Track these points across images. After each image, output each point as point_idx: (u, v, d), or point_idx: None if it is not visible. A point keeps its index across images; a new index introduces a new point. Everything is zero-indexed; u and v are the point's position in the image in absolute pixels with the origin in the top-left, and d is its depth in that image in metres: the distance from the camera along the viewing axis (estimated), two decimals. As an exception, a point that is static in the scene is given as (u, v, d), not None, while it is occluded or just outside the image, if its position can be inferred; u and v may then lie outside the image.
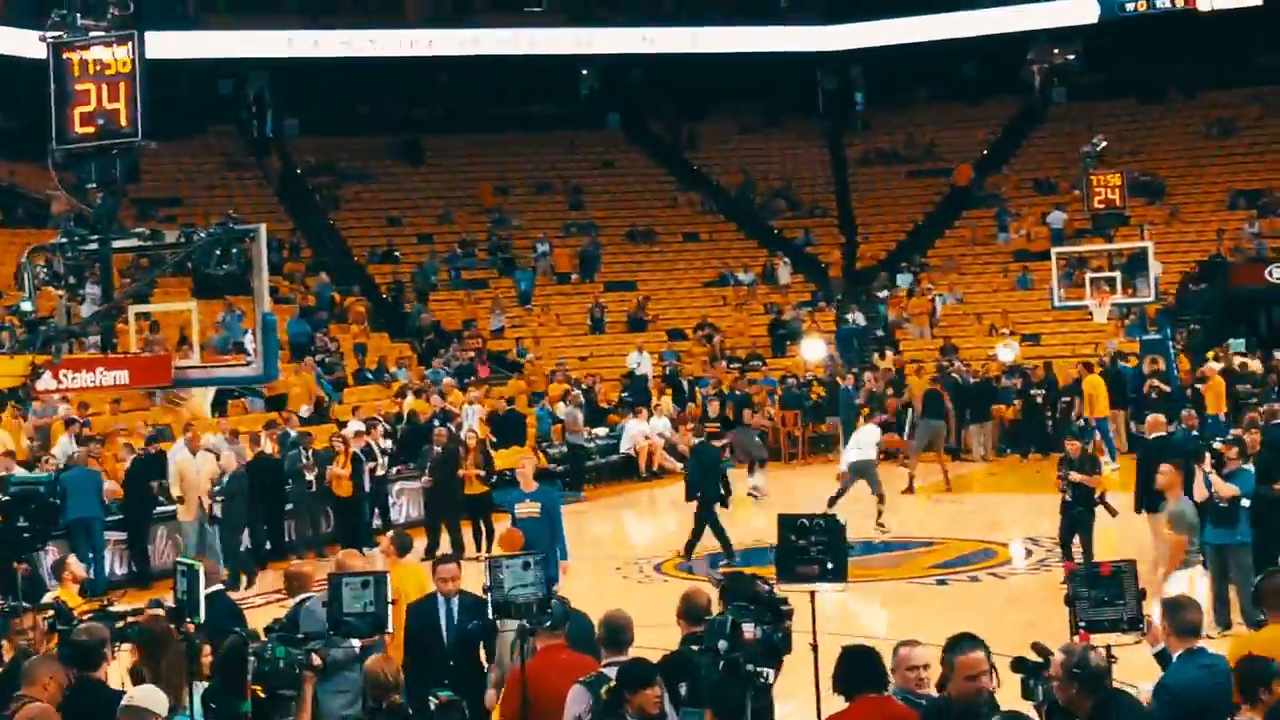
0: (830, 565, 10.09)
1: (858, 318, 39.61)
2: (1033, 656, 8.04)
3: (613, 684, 8.41)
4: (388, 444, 26.12)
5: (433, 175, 47.33)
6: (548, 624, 9.27)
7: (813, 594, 10.12)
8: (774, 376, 35.78)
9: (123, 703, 8.01)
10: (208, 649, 9.69)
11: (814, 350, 36.77)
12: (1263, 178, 43.22)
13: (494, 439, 28.10)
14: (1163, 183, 43.77)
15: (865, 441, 24.00)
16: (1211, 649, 8.83)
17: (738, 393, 32.60)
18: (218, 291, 30.18)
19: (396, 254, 42.73)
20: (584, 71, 51.56)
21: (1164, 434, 19.12)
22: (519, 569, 9.06)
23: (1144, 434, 20.74)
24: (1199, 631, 8.63)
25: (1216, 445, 16.15)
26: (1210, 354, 33.12)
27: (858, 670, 8.20)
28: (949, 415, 29.46)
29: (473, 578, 11.36)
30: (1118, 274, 32.44)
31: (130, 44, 11.22)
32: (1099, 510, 18.59)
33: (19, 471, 19.85)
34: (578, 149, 49.01)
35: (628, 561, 21.52)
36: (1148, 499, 17.23)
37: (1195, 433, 20.15)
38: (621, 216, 45.83)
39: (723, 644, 8.81)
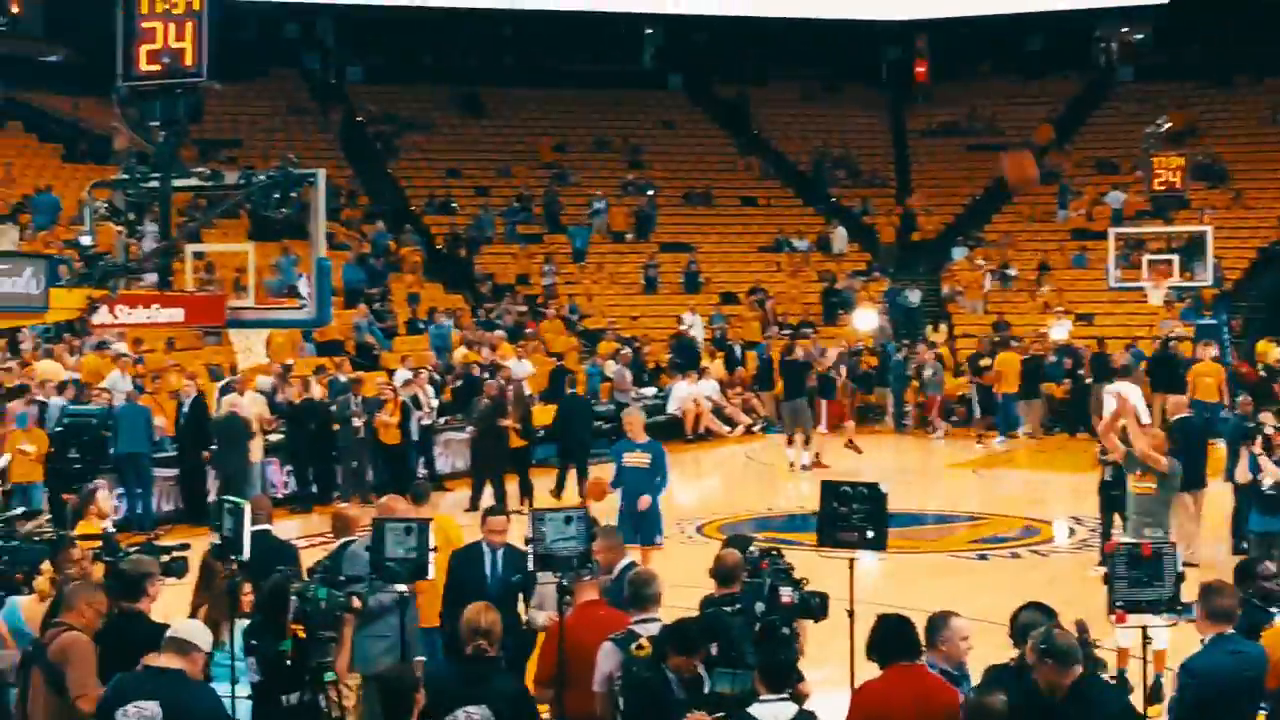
0: (870, 533, 10.12)
1: (912, 294, 39.28)
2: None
3: (644, 641, 8.49)
4: (430, 393, 26.16)
5: (492, 128, 47.33)
6: (587, 577, 9.35)
7: (851, 561, 10.16)
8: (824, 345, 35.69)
9: (167, 634, 8.11)
10: (248, 586, 9.81)
11: (866, 320, 36.70)
12: (1327, 165, 42.86)
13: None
14: (1226, 167, 43.41)
15: None
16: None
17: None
18: (275, 234, 30.37)
19: (453, 205, 42.81)
20: (649, 30, 51.40)
21: (1187, 415, 19.21)
22: (561, 523, 9.13)
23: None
24: (1232, 617, 8.62)
25: (1267, 430, 16.06)
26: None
27: (893, 638, 8.25)
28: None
29: (516, 532, 11.51)
30: (1175, 257, 32.18)
31: (198, -20, 11.27)
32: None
33: (70, 404, 20.09)
34: (639, 108, 48.91)
35: (670, 522, 21.56)
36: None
37: (1246, 418, 20.03)
38: (680, 178, 45.76)
39: (760, 606, 8.90)
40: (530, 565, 9.37)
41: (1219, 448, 20.68)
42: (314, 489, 23.87)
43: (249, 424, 21.99)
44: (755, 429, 31.59)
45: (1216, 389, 27.93)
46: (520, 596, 11.01)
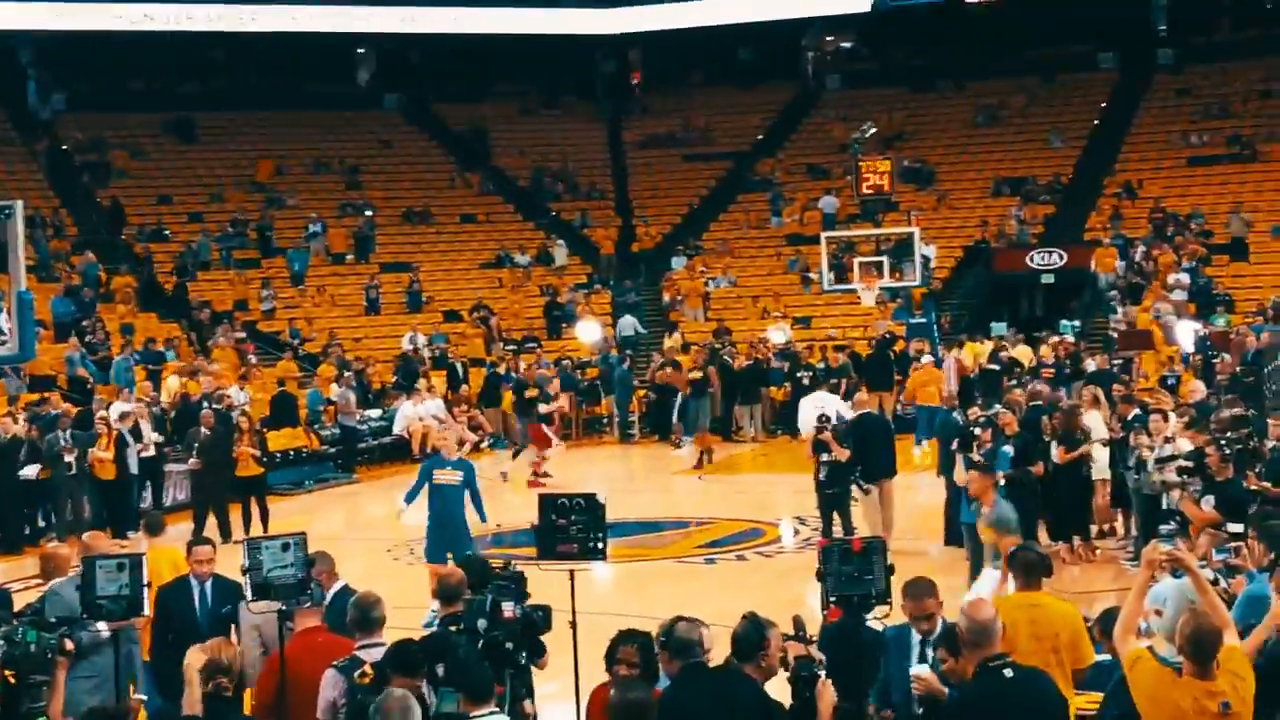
0: (591, 544, 10.19)
1: (630, 298, 39.72)
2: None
3: (367, 668, 8.41)
4: (148, 425, 25.48)
5: (205, 153, 46.49)
6: (306, 604, 9.23)
7: (571, 573, 10.22)
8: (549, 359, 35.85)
9: None
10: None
11: (589, 332, 36.95)
12: (1026, 165, 44.49)
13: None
14: (932, 169, 44.78)
15: None
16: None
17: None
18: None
19: (166, 233, 41.90)
20: (361, 50, 51.00)
21: (867, 411, 20.85)
22: (278, 550, 9.00)
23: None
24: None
25: (974, 429, 16.62)
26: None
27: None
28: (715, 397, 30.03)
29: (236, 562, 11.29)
30: (885, 259, 33.07)
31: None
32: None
33: None
34: (356, 129, 48.54)
35: (398, 544, 21.42)
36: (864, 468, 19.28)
37: (954, 414, 20.77)
38: (399, 197, 45.52)
39: (482, 623, 8.89)
40: (248, 594, 9.21)
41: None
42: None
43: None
44: (482, 446, 31.53)
45: (937, 394, 28.75)
46: (232, 627, 10.83)
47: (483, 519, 16.78)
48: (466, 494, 16.64)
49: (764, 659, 7.91)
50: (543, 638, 9.47)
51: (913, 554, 17.16)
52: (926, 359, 30.15)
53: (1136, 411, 18.36)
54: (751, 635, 7.96)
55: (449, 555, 15.84)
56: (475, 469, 17.33)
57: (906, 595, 8.93)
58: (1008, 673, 7.72)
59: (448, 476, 16.62)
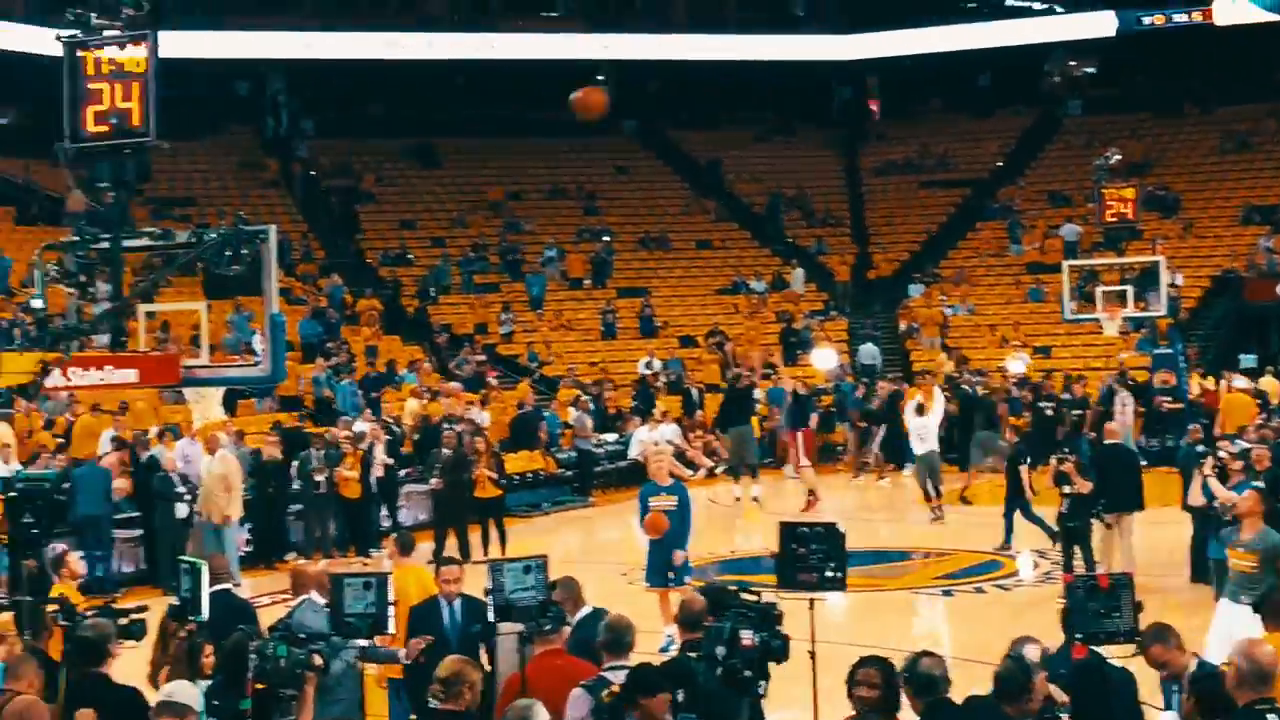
0: (829, 573, 10.12)
1: (866, 349, 39.28)
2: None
3: (615, 688, 8.44)
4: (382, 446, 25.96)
5: (447, 179, 47.40)
6: (547, 628, 9.30)
7: (811, 601, 10.16)
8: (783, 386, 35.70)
9: (159, 699, 8.14)
10: (209, 647, 9.74)
11: (825, 359, 36.76)
12: (1278, 193, 43.22)
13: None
14: (1177, 197, 43.77)
15: None
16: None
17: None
18: (229, 292, 30.27)
19: (410, 256, 42.80)
20: (600, 77, 51.32)
21: (1118, 442, 20.49)
22: (520, 573, 9.10)
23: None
24: None
25: (1222, 455, 16.15)
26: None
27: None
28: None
29: (477, 582, 11.42)
30: (1129, 288, 32.37)
31: (145, 43, 11.28)
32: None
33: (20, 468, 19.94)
34: (593, 154, 49.03)
35: (635, 568, 21.46)
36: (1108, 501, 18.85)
37: (1200, 447, 20.19)
38: (635, 222, 45.88)
39: (720, 650, 8.85)
40: (490, 616, 9.32)
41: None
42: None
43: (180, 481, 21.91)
44: (717, 471, 31.54)
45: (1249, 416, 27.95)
46: (483, 647, 10.95)
47: (681, 547, 16.56)
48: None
49: (1027, 702, 7.76)
50: (780, 666, 9.43)
51: (1157, 591, 16.72)
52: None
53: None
54: (1018, 677, 7.81)
55: (671, 580, 15.99)
56: (689, 494, 17.31)
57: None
58: (1271, 717, 7.45)
59: (662, 502, 16.64)
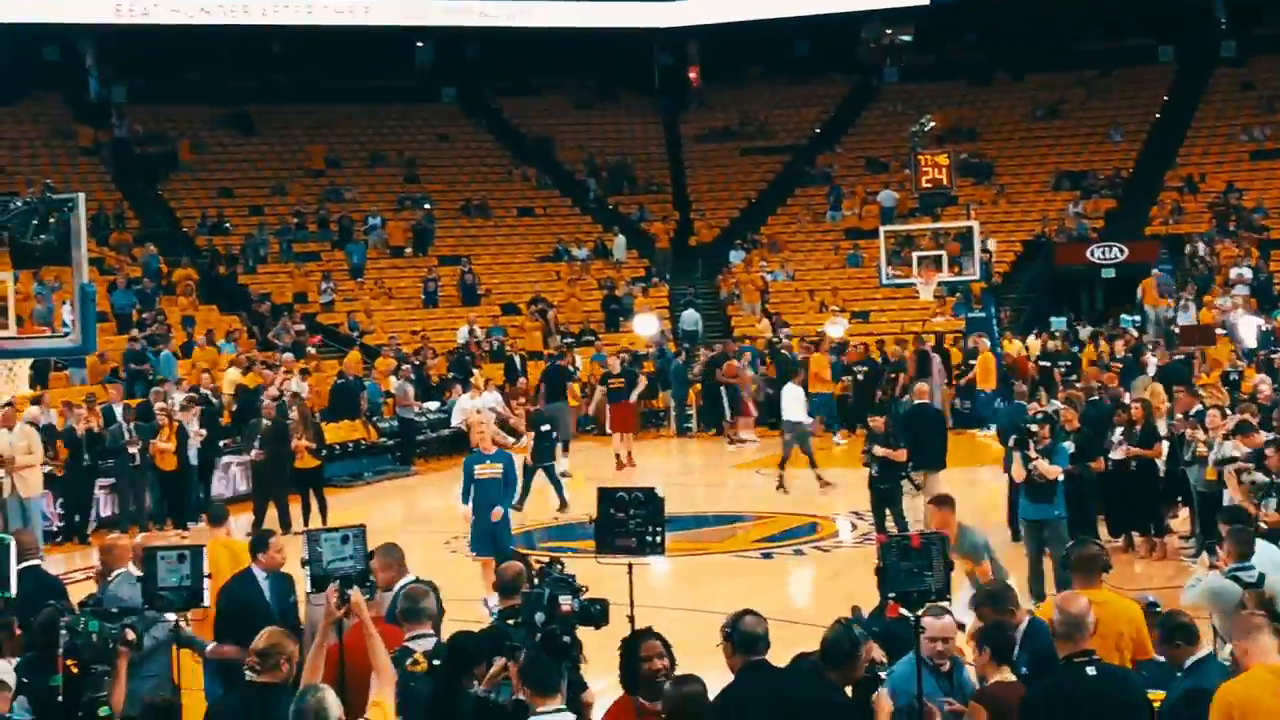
0: (649, 538, 10.17)
1: (688, 316, 39.45)
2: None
3: (418, 656, 8.44)
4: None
5: (265, 146, 46.77)
6: (366, 597, 9.24)
7: (630, 566, 10.21)
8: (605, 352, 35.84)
9: None
10: (17, 623, 9.56)
11: (646, 325, 36.92)
12: (1086, 160, 44.23)
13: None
14: (990, 163, 44.58)
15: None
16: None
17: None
18: (38, 261, 29.53)
19: (227, 225, 42.17)
20: (419, 44, 51.09)
21: (925, 402, 20.75)
22: (338, 542, 9.01)
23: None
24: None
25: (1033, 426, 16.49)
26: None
27: (621, 666, 8.36)
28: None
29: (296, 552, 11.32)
30: (944, 253, 32.92)
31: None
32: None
33: None
34: (413, 122, 48.69)
35: (458, 536, 21.45)
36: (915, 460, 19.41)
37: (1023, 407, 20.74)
38: (456, 190, 45.66)
39: (539, 616, 8.86)
40: (306, 587, 9.22)
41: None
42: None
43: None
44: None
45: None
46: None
47: (508, 506, 16.96)
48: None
49: (852, 668, 7.87)
50: (599, 631, 9.46)
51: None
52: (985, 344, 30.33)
53: (1196, 407, 18.25)
54: (844, 644, 7.90)
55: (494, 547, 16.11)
56: (514, 460, 17.41)
57: None
58: (1090, 670, 7.64)
59: (488, 470, 16.85)
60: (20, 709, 8.98)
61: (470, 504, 16.95)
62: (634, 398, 29.54)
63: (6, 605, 9.48)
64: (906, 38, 52.03)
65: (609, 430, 29.04)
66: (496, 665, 8.54)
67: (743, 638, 7.87)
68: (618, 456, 27.76)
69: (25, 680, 8.99)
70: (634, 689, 8.27)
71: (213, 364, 30.84)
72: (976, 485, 22.34)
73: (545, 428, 24.57)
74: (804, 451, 24.45)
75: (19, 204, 12.12)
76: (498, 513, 16.56)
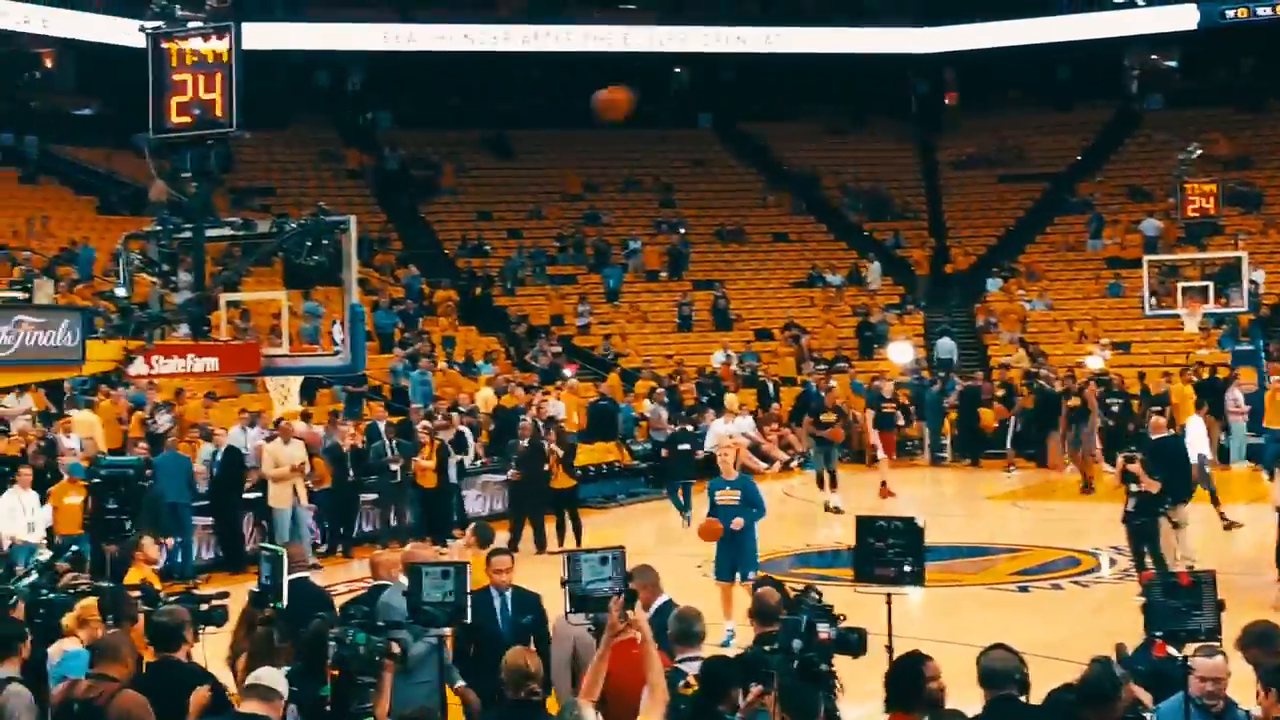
0: (907, 568, 10.08)
1: (944, 344, 39.01)
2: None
3: (690, 679, 8.44)
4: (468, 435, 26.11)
5: (522, 170, 47.52)
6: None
7: (889, 596, 10.13)
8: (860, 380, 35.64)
9: (249, 682, 8.29)
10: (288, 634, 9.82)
11: (901, 353, 36.63)
12: (1361, 188, 42.72)
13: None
14: (1260, 193, 43.29)
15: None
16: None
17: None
18: (309, 281, 30.48)
19: (486, 248, 42.96)
20: (676, 69, 51.50)
21: (1165, 435, 20.02)
22: (596, 564, 9.09)
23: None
24: None
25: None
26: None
27: (895, 684, 8.18)
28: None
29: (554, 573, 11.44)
30: (1210, 284, 32.07)
31: (228, 35, 11.39)
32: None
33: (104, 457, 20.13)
34: (669, 147, 49.03)
35: (709, 559, 21.48)
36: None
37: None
38: (711, 215, 45.86)
39: (797, 643, 8.82)
40: (565, 606, 9.32)
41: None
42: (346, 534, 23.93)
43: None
44: (793, 465, 31.51)
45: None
46: (532, 639, 10.98)
47: (746, 540, 16.63)
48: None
49: (1111, 711, 7.69)
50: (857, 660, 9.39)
51: (1247, 589, 16.57)
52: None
53: None
54: (1105, 684, 7.72)
55: (736, 574, 16.15)
56: (755, 486, 17.32)
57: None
58: None
59: (727, 497, 16.74)
60: (291, 717, 9.24)
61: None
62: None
63: (278, 615, 9.75)
64: (1172, 63, 50.86)
65: (880, 456, 28.71)
66: (754, 692, 8.52)
67: (988, 672, 7.75)
68: (884, 484, 27.45)
69: (295, 689, 9.25)
70: (910, 708, 8.15)
71: (457, 386, 31.46)
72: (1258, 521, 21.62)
73: (685, 446, 25.06)
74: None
75: (293, 225, 12.46)
76: (738, 522, 16.33)
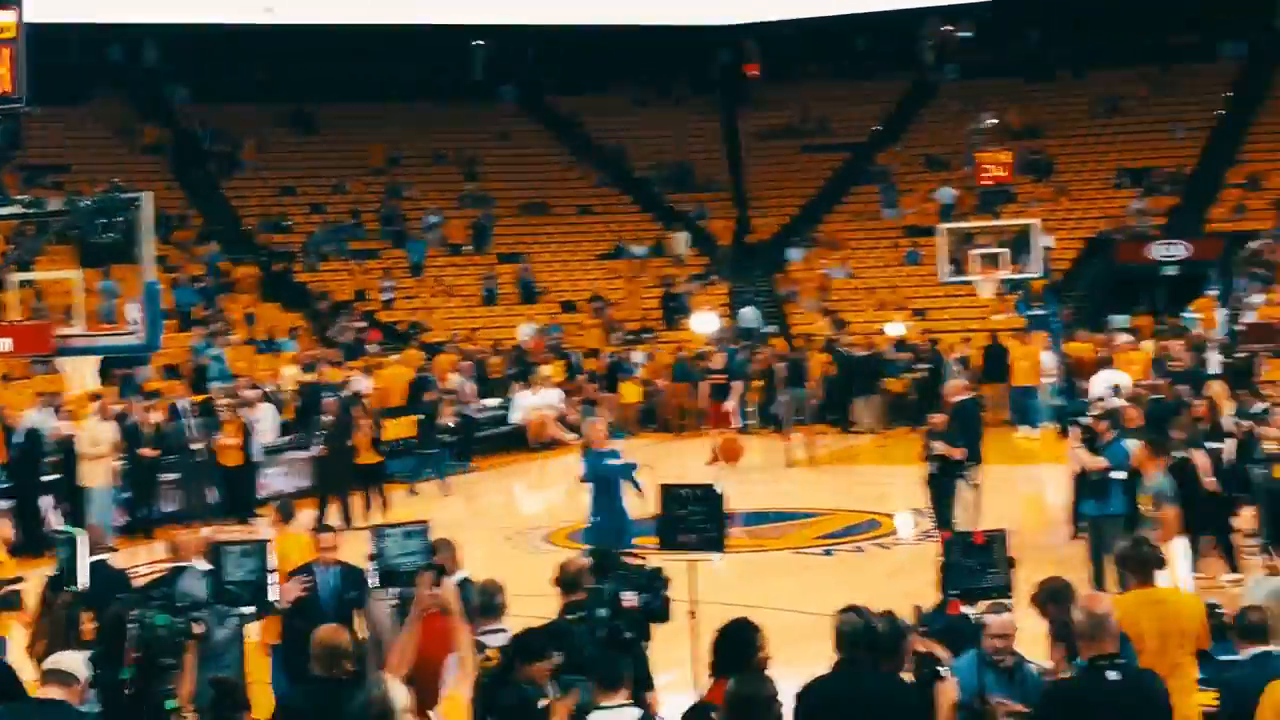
0: (709, 534, 10.22)
1: (748, 313, 39.39)
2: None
3: (491, 652, 8.48)
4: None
5: (325, 144, 47.00)
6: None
7: (691, 562, 10.26)
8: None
9: (46, 667, 8.18)
10: (87, 616, 9.69)
11: (704, 323, 36.92)
12: (1148, 156, 43.89)
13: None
14: (1051, 160, 44.30)
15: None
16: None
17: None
18: (105, 259, 29.83)
19: (288, 223, 42.43)
20: (478, 42, 51.24)
21: (965, 398, 20.61)
22: (401, 538, 9.09)
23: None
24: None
25: (1087, 419, 16.42)
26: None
27: (724, 651, 8.29)
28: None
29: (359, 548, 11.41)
30: (1005, 250, 32.76)
31: (12, 8, 11.13)
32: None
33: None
34: (472, 121, 48.81)
35: (517, 532, 21.58)
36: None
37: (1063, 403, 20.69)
38: (516, 189, 45.78)
39: (603, 612, 8.91)
40: (373, 581, 9.31)
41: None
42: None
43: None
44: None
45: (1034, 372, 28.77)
46: (357, 613, 10.95)
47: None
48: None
49: (898, 660, 7.89)
50: (662, 627, 9.50)
51: (1038, 547, 17.06)
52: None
53: (1262, 406, 18.11)
54: (891, 636, 7.92)
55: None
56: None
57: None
58: (1112, 674, 7.55)
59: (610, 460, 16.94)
60: (91, 701, 9.10)
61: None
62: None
63: (76, 598, 9.60)
64: (966, 34, 51.76)
65: (709, 426, 28.99)
66: (553, 661, 8.58)
67: (837, 634, 7.90)
68: (714, 451, 27.62)
69: (96, 673, 9.12)
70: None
71: (250, 362, 31.10)
72: (1035, 481, 22.25)
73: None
74: None
75: (86, 202, 12.23)
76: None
